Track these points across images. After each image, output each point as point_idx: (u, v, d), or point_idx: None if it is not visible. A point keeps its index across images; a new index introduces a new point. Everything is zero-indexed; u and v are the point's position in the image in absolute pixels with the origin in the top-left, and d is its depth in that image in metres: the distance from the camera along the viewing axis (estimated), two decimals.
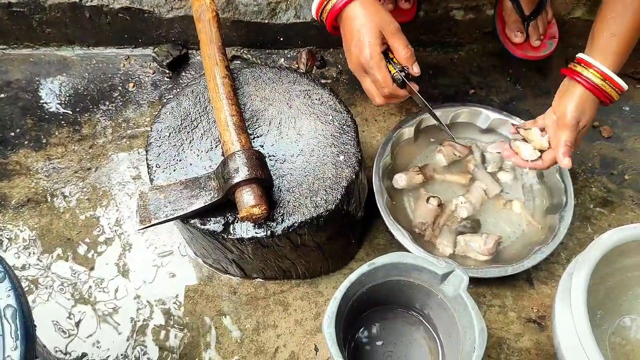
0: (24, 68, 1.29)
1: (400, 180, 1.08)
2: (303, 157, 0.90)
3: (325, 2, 0.88)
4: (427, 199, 1.07)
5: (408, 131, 1.13)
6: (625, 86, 0.90)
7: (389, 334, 0.97)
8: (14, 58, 1.30)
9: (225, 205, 0.85)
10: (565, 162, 0.90)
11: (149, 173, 0.91)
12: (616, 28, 0.87)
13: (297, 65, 1.28)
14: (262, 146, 0.91)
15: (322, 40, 1.28)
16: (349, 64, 0.90)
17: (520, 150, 0.98)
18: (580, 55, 0.91)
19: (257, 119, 0.94)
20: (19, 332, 0.63)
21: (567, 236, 1.04)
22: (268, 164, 0.87)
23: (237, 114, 0.89)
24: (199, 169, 0.90)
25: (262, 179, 0.82)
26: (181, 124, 0.94)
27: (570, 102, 0.90)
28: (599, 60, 0.88)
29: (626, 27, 0.87)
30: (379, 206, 1.03)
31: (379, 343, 0.96)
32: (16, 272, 0.94)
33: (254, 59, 1.29)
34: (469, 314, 0.82)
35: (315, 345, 0.98)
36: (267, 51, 1.30)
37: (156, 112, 1.18)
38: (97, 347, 0.99)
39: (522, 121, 1.07)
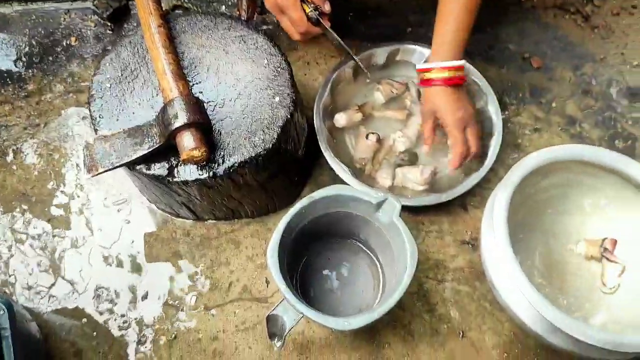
0: None
1: (340, 119, 1.13)
2: (241, 101, 0.94)
3: None
4: (367, 135, 1.13)
5: (347, 72, 1.17)
6: (461, 63, 1.00)
7: (334, 262, 1.05)
8: None
9: (169, 150, 0.89)
10: (454, 164, 1.04)
11: (92, 124, 0.94)
12: (449, 22, 0.99)
13: (238, 13, 1.29)
14: (202, 92, 0.95)
15: None
16: (266, 4, 0.95)
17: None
18: (418, 66, 1.04)
19: (195, 66, 0.97)
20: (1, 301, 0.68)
21: (498, 162, 1.12)
22: (207, 109, 0.92)
23: (174, 62, 0.93)
24: (142, 118, 0.93)
25: (201, 122, 0.86)
26: (121, 75, 0.97)
27: (437, 105, 1.02)
28: (440, 60, 0.99)
29: (458, 19, 0.98)
30: (320, 145, 1.08)
31: (325, 271, 1.04)
32: None
33: (195, 8, 1.30)
34: (402, 238, 0.90)
35: (266, 278, 1.05)
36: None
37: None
38: (62, 287, 1.04)
39: None
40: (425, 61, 1.11)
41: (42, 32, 1.28)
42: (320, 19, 0.97)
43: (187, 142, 0.85)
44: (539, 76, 1.26)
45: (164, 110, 0.87)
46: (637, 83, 1.24)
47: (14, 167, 1.15)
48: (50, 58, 1.25)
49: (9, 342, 0.73)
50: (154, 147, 0.88)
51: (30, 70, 1.24)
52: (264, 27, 1.30)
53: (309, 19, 0.97)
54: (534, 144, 1.18)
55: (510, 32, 1.30)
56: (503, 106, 1.20)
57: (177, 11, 1.29)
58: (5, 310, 0.70)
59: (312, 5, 0.95)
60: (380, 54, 1.18)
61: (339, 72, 1.15)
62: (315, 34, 1.01)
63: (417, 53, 1.19)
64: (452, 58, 0.99)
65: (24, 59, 1.25)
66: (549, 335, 0.88)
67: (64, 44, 1.27)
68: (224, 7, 1.31)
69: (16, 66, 1.24)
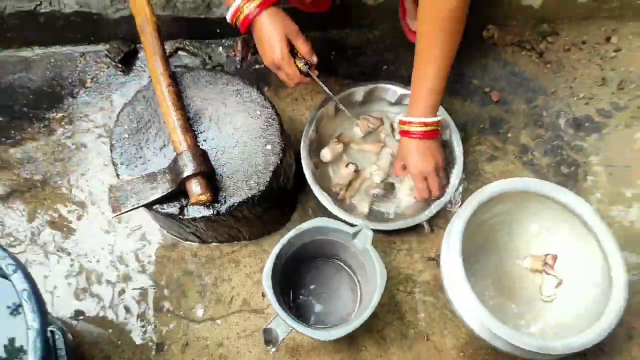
0: None
1: (326, 154, 1.31)
2: (238, 148, 1.12)
3: (238, 13, 1.07)
4: (347, 165, 1.31)
5: (329, 109, 1.35)
6: (438, 119, 1.17)
7: (320, 279, 1.24)
8: None
9: (179, 193, 1.07)
10: (418, 197, 1.25)
11: (115, 170, 1.12)
12: (420, 79, 1.13)
13: (233, 53, 1.47)
14: (205, 140, 1.13)
15: None
16: (264, 61, 1.12)
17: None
18: (401, 117, 1.19)
19: (199, 117, 1.15)
20: (35, 308, 0.86)
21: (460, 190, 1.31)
22: (210, 156, 1.10)
23: (182, 118, 1.10)
24: (156, 164, 1.11)
25: (206, 172, 1.05)
26: (137, 126, 1.15)
27: (407, 152, 1.19)
28: (415, 116, 1.15)
29: (432, 82, 1.12)
30: (307, 177, 1.26)
31: (312, 287, 1.23)
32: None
33: (195, 50, 1.47)
34: (373, 262, 1.09)
35: (262, 293, 1.24)
36: (207, 41, 1.48)
37: (114, 105, 1.39)
38: (90, 302, 1.23)
39: None
40: (406, 103, 1.28)
41: (61, 73, 1.45)
42: (310, 71, 1.14)
43: (195, 188, 1.03)
44: (497, 109, 1.44)
45: (175, 161, 1.05)
46: (582, 114, 1.43)
47: (43, 197, 1.33)
48: (69, 98, 1.42)
49: None
50: (168, 192, 1.06)
51: (52, 110, 1.41)
52: (257, 66, 1.47)
53: (300, 71, 1.14)
54: (492, 171, 1.37)
55: (474, 68, 1.48)
56: (467, 136, 1.39)
57: (180, 53, 1.46)
58: (61, 334, 0.89)
59: (303, 60, 1.12)
60: (358, 92, 1.36)
61: (322, 110, 1.33)
62: (307, 82, 1.18)
63: (390, 91, 1.37)
64: (428, 115, 1.15)
65: (46, 98, 1.42)
66: (493, 341, 1.08)
67: (80, 84, 1.44)
68: (220, 48, 1.48)
69: (39, 106, 1.41)
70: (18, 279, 0.88)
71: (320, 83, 1.20)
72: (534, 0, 1.46)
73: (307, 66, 1.13)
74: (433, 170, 1.20)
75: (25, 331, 0.85)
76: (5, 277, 0.91)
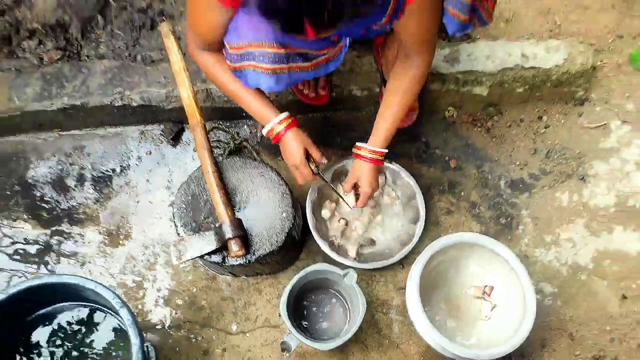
0: (74, 143, 1.94)
1: (325, 214, 1.80)
2: (262, 216, 1.61)
3: (272, 130, 1.53)
4: (339, 220, 1.80)
5: (327, 177, 1.82)
6: (385, 151, 1.58)
7: (320, 305, 1.72)
8: (67, 136, 1.94)
9: (222, 248, 1.56)
10: (360, 205, 1.66)
11: (176, 231, 1.61)
12: (383, 119, 1.56)
13: (255, 130, 1.94)
14: (239, 210, 1.61)
15: None
16: (287, 163, 1.57)
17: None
18: (357, 144, 1.61)
19: (235, 193, 1.63)
20: (136, 332, 1.35)
21: (424, 236, 1.78)
22: (244, 222, 1.58)
23: (224, 195, 1.59)
24: (205, 227, 1.60)
25: (241, 235, 1.53)
26: (191, 199, 1.63)
27: (359, 171, 1.61)
28: (371, 145, 1.58)
29: (393, 113, 1.55)
30: (311, 230, 1.74)
31: (314, 309, 1.71)
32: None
33: (227, 128, 1.94)
34: (357, 295, 1.57)
35: (279, 313, 1.73)
36: (235, 121, 1.95)
37: (169, 171, 1.86)
38: (157, 322, 1.72)
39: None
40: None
41: (127, 146, 1.93)
42: (319, 173, 1.60)
43: (234, 247, 1.52)
44: (454, 173, 1.91)
45: (220, 227, 1.54)
46: (518, 177, 1.90)
47: (124, 244, 1.82)
48: (136, 164, 1.91)
49: None
50: (214, 248, 1.55)
51: (122, 174, 1.89)
52: None
53: (313, 173, 1.56)
54: (448, 222, 1.85)
55: (437, 141, 1.95)
56: (430, 195, 1.86)
57: (217, 131, 1.94)
58: (153, 348, 1.37)
59: (314, 163, 1.56)
60: (348, 164, 1.83)
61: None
62: (316, 180, 1.63)
63: None
64: (381, 146, 1.58)
65: (118, 163, 1.90)
66: (441, 350, 1.56)
67: (141, 155, 1.92)
68: (245, 126, 1.95)
69: (112, 169, 1.90)
70: (124, 313, 1.37)
71: (327, 181, 1.66)
72: (483, 90, 1.93)
73: (317, 168, 1.59)
74: (376, 189, 1.65)
75: (130, 346, 1.34)
76: (114, 311, 1.40)
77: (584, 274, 1.79)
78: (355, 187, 1.66)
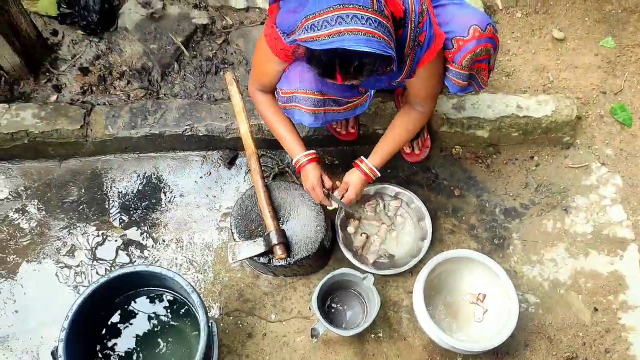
0: (150, 163, 2.40)
1: (350, 229, 2.22)
2: (301, 228, 2.03)
3: (298, 161, 1.94)
4: (361, 234, 2.21)
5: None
6: (378, 174, 1.98)
7: (342, 300, 2.13)
8: (145, 157, 2.41)
9: (269, 252, 1.98)
10: (345, 203, 2.00)
11: (232, 236, 2.04)
12: (386, 143, 1.97)
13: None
14: (283, 223, 2.04)
15: (312, 143, 2.37)
16: (305, 186, 1.99)
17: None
18: (361, 157, 1.99)
19: (280, 208, 2.07)
20: (202, 311, 1.78)
21: (430, 251, 2.18)
22: (286, 233, 2.00)
23: (272, 210, 2.02)
24: (256, 234, 2.03)
25: (284, 242, 1.96)
26: (245, 213, 2.07)
27: (352, 179, 1.99)
28: (370, 161, 1.97)
29: (392, 142, 1.97)
30: (338, 241, 2.16)
31: (338, 305, 2.12)
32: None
33: (273, 155, 2.38)
34: (374, 295, 1.98)
35: (309, 307, 2.13)
36: (279, 151, 2.39)
37: (222, 189, 2.30)
38: (215, 310, 2.15)
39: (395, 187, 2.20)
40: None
41: (191, 168, 2.39)
42: (330, 195, 2.01)
43: (278, 251, 1.95)
44: (458, 200, 2.32)
45: (267, 235, 1.97)
46: (510, 206, 2.30)
47: (186, 244, 2.26)
48: (198, 184, 2.36)
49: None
50: (262, 251, 1.98)
51: (186, 191, 2.34)
52: None
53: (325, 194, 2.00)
54: (451, 240, 2.24)
55: (445, 173, 2.36)
56: (436, 217, 2.27)
57: (265, 157, 2.38)
58: (215, 324, 1.79)
59: (326, 188, 1.97)
60: (371, 189, 2.25)
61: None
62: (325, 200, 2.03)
63: (389, 188, 2.26)
64: (377, 166, 1.98)
65: (185, 181, 2.35)
66: (440, 343, 1.95)
67: (203, 176, 2.37)
68: (287, 155, 2.39)
69: (180, 186, 2.35)
70: (194, 297, 1.79)
71: (339, 200, 2.07)
72: (484, 133, 2.34)
73: (327, 191, 1.98)
74: (358, 197, 2.02)
75: (198, 322, 1.77)
76: (184, 295, 1.83)
77: (562, 288, 2.17)
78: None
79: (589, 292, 2.16)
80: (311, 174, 1.94)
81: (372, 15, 1.41)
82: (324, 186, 1.97)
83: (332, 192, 1.99)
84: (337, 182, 2.01)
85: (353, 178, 2.00)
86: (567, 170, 2.36)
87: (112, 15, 2.53)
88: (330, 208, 2.03)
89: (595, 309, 2.14)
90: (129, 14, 2.53)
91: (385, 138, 1.98)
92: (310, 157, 1.94)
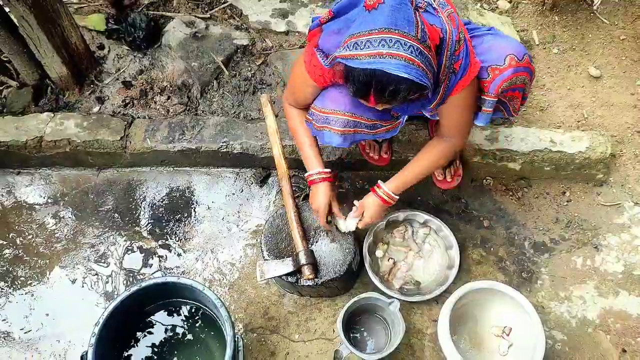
0: (184, 177, 2.45)
1: (378, 253, 2.23)
2: (329, 250, 2.05)
3: (311, 176, 1.97)
4: (388, 259, 2.22)
5: (381, 224, 2.25)
6: (396, 198, 1.98)
7: (367, 325, 2.13)
8: (180, 171, 2.46)
9: (297, 271, 2.00)
10: (360, 227, 2.03)
11: (262, 255, 2.07)
12: (407, 172, 1.97)
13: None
14: (312, 244, 2.06)
15: (345, 167, 2.41)
16: (311, 205, 2.02)
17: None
18: (379, 182, 1.99)
19: (310, 229, 2.09)
20: (229, 325, 1.80)
21: (457, 280, 2.18)
22: (315, 254, 2.02)
23: (302, 231, 2.04)
24: (285, 253, 2.05)
25: (313, 263, 1.98)
26: (275, 231, 2.10)
27: (368, 203, 2.01)
28: (387, 186, 1.98)
29: (414, 170, 1.97)
30: (365, 266, 2.17)
31: (362, 329, 2.13)
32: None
33: (304, 176, 2.41)
34: (399, 321, 1.98)
35: (333, 329, 2.14)
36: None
37: (252, 206, 2.34)
38: (240, 326, 2.17)
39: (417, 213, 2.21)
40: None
41: (226, 185, 2.43)
42: (331, 222, 2.05)
43: (307, 272, 1.96)
44: (486, 231, 2.31)
45: (297, 255, 1.99)
46: (540, 240, 2.29)
47: (211, 256, 2.30)
48: (231, 201, 2.40)
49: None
50: (290, 271, 2.00)
51: (222, 204, 2.38)
52: (340, 190, 2.40)
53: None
54: (478, 271, 2.24)
55: (475, 203, 2.37)
56: (465, 247, 2.27)
57: (295, 177, 2.41)
58: (241, 338, 1.81)
59: (331, 215, 2.01)
60: (400, 216, 2.26)
61: (377, 225, 2.24)
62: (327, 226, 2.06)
63: (419, 215, 2.27)
64: (394, 191, 1.98)
65: (218, 198, 2.40)
66: None
67: (236, 193, 2.41)
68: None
69: (215, 201, 2.39)
70: (222, 311, 1.82)
71: (342, 225, 2.07)
72: (516, 166, 2.34)
73: (332, 217, 2.03)
74: (375, 222, 2.04)
75: (225, 336, 1.79)
76: (210, 308, 1.86)
77: (590, 327, 2.14)
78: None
79: (617, 333, 2.13)
80: (321, 195, 1.96)
81: (415, 44, 1.45)
82: (331, 211, 1.99)
83: (337, 215, 2.02)
84: (355, 202, 2.04)
85: (369, 202, 2.01)
86: (599, 208, 2.34)
87: (157, 32, 2.63)
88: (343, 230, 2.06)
89: (624, 350, 2.10)
90: (173, 32, 2.62)
91: (408, 167, 1.99)
92: (324, 176, 1.97)
